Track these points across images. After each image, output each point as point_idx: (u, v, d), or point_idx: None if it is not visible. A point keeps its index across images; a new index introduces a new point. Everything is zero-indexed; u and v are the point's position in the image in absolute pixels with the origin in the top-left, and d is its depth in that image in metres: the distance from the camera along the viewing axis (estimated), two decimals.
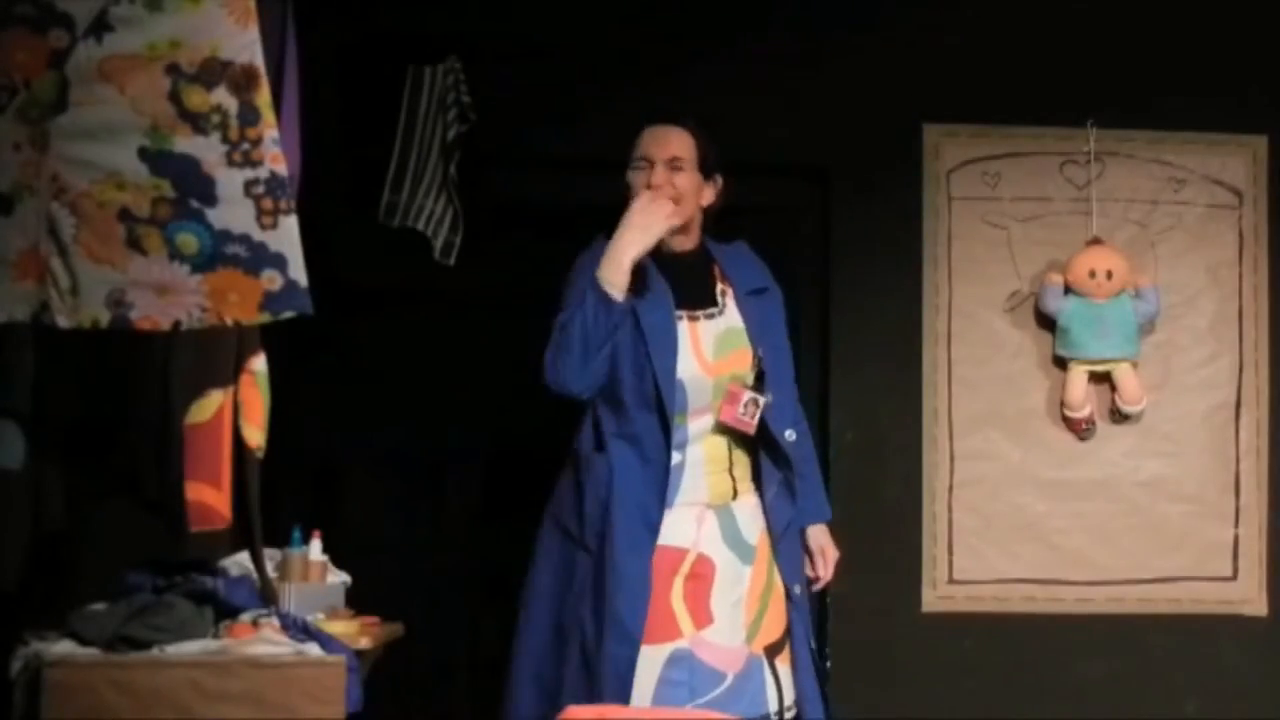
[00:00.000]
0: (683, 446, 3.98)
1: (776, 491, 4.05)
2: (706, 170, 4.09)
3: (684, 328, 4.01)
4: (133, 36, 3.35)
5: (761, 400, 3.98)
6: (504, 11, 5.24)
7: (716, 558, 3.97)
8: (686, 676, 3.89)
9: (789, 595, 4.05)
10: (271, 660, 3.54)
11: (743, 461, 4.06)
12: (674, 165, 4.02)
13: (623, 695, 3.86)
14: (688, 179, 4.03)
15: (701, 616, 3.93)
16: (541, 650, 3.99)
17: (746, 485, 4.06)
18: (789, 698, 4.01)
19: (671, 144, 4.03)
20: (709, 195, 4.10)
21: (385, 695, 4.29)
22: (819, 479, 4.26)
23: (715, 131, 4.16)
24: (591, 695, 3.86)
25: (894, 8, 5.38)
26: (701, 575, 3.95)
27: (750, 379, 4.01)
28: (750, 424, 3.98)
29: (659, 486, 3.93)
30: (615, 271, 3.88)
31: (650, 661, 3.88)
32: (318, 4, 4.32)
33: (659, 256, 4.02)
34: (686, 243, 4.10)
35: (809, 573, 4.16)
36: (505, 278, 5.34)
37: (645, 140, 4.06)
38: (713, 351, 4.00)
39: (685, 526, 3.96)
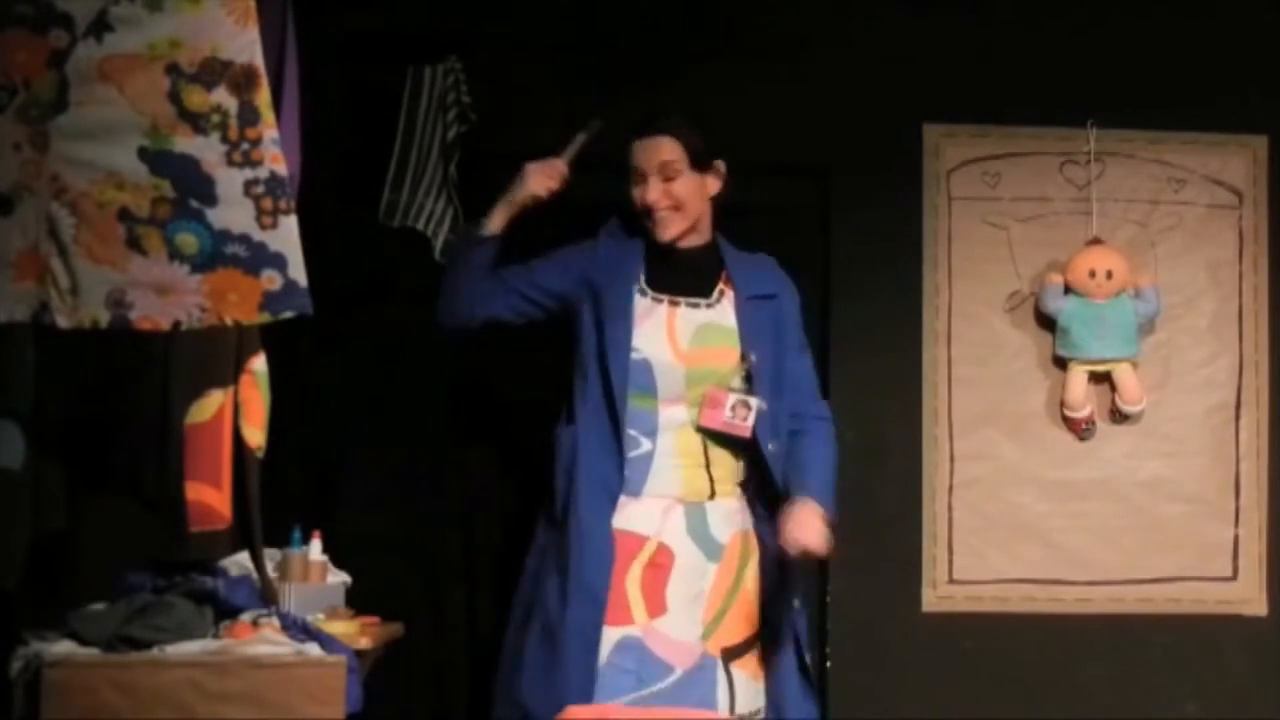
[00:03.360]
0: (653, 434, 3.97)
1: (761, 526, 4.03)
2: (702, 163, 4.09)
3: (662, 311, 4.03)
4: (132, 36, 3.35)
5: (754, 402, 3.96)
6: (504, 11, 5.24)
7: (678, 549, 3.95)
8: (634, 665, 3.86)
9: (788, 610, 4.02)
10: (271, 660, 3.55)
11: (725, 462, 4.02)
12: (666, 173, 4.04)
13: (588, 665, 3.83)
14: (683, 183, 4.05)
15: (656, 606, 3.91)
16: (517, 638, 4.01)
17: (729, 487, 4.03)
18: (744, 706, 3.94)
19: (660, 153, 4.06)
20: (714, 185, 4.12)
21: (385, 695, 4.30)
22: (830, 481, 4.09)
23: (714, 130, 4.17)
24: (552, 668, 3.84)
25: (895, 8, 5.39)
26: (660, 565, 3.94)
27: (736, 381, 4.00)
28: (745, 427, 3.96)
29: (617, 459, 3.94)
30: (492, 214, 4.16)
31: (601, 643, 3.88)
32: (317, 3, 4.32)
33: (663, 249, 4.05)
34: (695, 239, 4.11)
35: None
36: None
37: (634, 153, 4.10)
38: (688, 340, 4.00)
39: (650, 516, 3.96)
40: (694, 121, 4.11)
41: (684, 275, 4.07)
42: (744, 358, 4.00)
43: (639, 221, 4.11)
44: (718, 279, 4.09)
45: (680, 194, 4.04)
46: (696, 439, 3.99)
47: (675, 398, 3.98)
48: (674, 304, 4.04)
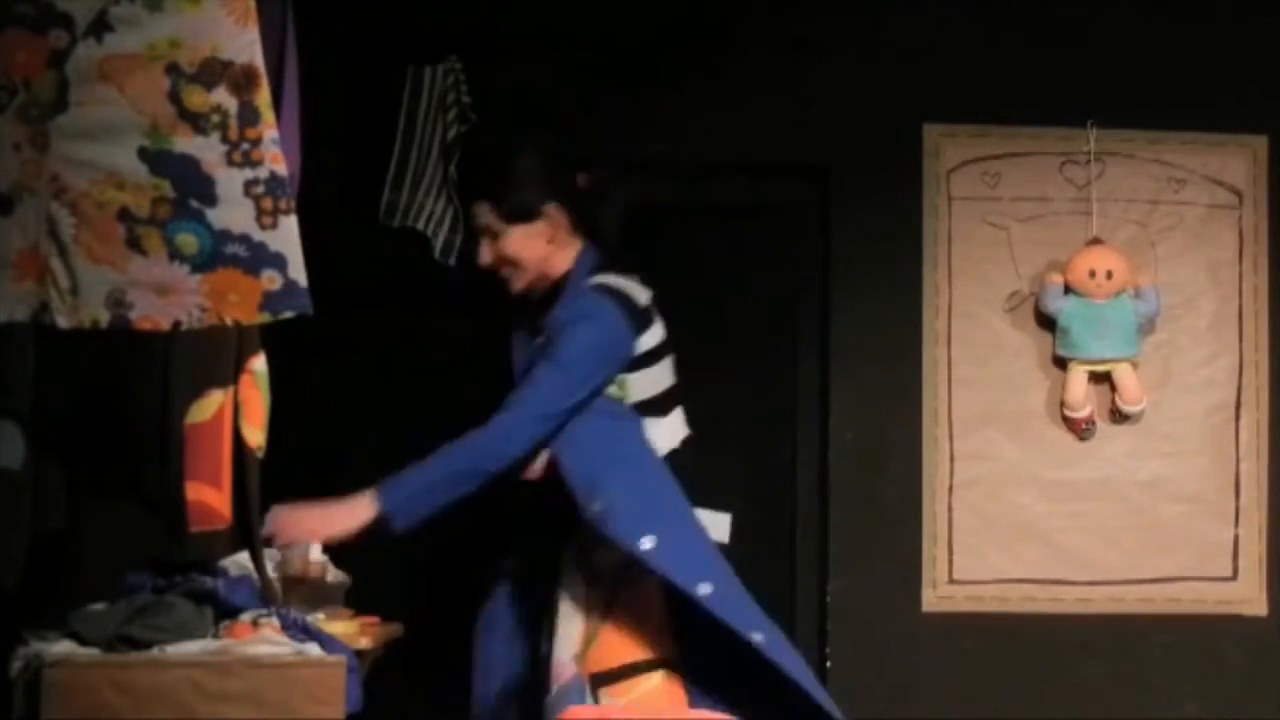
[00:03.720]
0: None
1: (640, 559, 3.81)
2: (524, 214, 3.92)
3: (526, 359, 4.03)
4: (132, 36, 3.35)
5: None
6: (504, 11, 5.25)
7: (562, 570, 3.94)
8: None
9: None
10: (271, 660, 3.55)
11: None
12: (489, 235, 3.95)
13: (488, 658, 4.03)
14: (507, 241, 3.91)
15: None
16: None
17: None
18: None
19: (477, 216, 3.96)
20: (545, 231, 3.93)
21: (385, 695, 4.29)
22: (427, 471, 3.98)
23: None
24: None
25: (895, 7, 5.39)
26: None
27: None
28: (534, 470, 3.90)
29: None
30: None
31: None
32: (317, 3, 4.32)
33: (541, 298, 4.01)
34: (546, 283, 3.97)
35: None
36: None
37: None
38: None
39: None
40: (516, 171, 3.93)
41: (538, 318, 3.98)
42: None
43: None
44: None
45: (507, 252, 3.92)
46: None
47: None
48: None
